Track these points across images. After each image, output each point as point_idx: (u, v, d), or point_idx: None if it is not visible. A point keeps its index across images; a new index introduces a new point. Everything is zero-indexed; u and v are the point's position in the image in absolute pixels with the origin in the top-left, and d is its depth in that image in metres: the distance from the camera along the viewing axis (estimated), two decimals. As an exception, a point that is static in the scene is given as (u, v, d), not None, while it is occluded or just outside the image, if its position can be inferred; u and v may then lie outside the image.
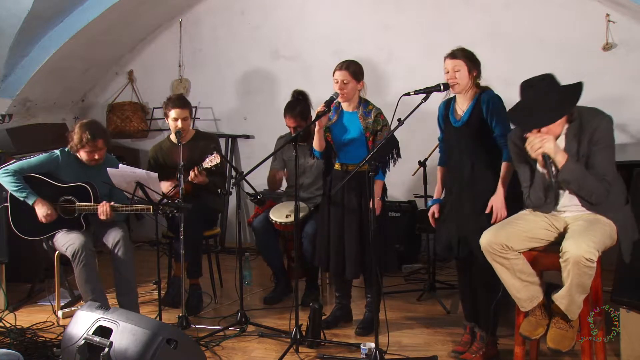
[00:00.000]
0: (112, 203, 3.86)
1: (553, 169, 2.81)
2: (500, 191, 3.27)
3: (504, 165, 3.27)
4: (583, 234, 2.75)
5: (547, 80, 2.85)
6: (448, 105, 3.46)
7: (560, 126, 2.85)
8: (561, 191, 2.96)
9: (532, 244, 2.94)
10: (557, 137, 2.86)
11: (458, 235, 3.37)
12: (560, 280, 2.78)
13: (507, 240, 2.87)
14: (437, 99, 3.47)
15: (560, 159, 2.79)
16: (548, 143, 2.79)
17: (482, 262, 3.26)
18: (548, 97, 2.82)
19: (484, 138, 3.30)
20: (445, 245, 3.45)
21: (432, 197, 4.54)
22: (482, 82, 3.38)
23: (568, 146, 2.87)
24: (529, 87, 2.86)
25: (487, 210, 3.27)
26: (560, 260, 2.73)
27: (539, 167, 2.92)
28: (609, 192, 2.82)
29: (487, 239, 2.90)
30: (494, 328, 3.40)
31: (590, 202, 2.86)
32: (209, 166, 4.01)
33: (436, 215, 3.55)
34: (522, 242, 2.90)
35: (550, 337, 2.87)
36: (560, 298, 2.80)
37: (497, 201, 3.26)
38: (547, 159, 2.81)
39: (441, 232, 3.50)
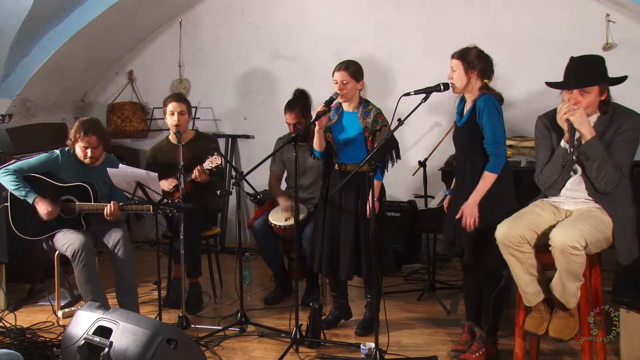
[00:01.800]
0: (121, 204, 3.86)
1: (575, 142, 2.85)
2: (473, 198, 3.25)
3: (485, 173, 3.25)
4: (571, 223, 2.79)
5: (595, 57, 2.93)
6: (461, 102, 3.47)
7: (591, 106, 2.87)
8: (572, 174, 2.97)
9: (541, 239, 2.94)
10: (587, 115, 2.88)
11: (454, 233, 3.38)
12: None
13: (523, 232, 2.87)
14: (437, 99, 3.47)
15: (587, 134, 2.82)
16: (578, 111, 2.81)
17: (473, 260, 3.29)
18: (588, 66, 2.88)
19: (477, 141, 3.29)
20: (447, 241, 3.48)
21: (432, 197, 4.57)
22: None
23: (595, 130, 2.88)
24: (574, 59, 2.94)
25: (458, 216, 3.28)
26: (550, 249, 2.76)
27: (562, 141, 2.93)
28: (620, 183, 2.83)
29: (503, 231, 2.89)
30: (495, 327, 3.40)
31: (599, 187, 2.87)
32: (209, 167, 4.02)
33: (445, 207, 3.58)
34: (535, 235, 2.91)
35: (552, 328, 2.89)
36: (554, 286, 2.84)
37: (467, 207, 3.26)
38: (572, 130, 2.83)
39: (444, 228, 3.52)
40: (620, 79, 2.93)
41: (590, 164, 2.86)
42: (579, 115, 2.82)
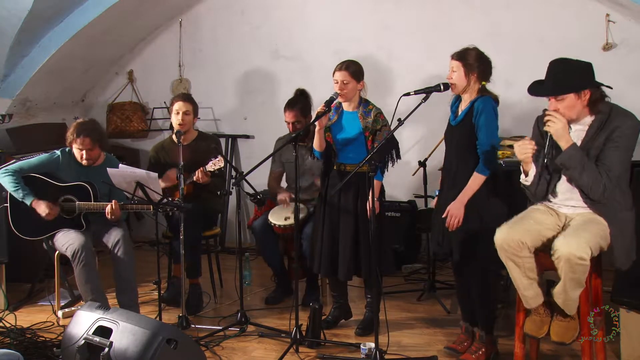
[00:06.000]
0: (122, 203, 3.87)
1: (552, 150, 2.85)
2: (460, 198, 3.25)
3: (474, 174, 3.25)
4: (575, 232, 2.77)
5: (571, 63, 2.88)
6: (456, 102, 3.47)
7: (572, 111, 2.84)
8: (559, 181, 2.96)
9: (540, 243, 2.93)
10: (571, 121, 2.86)
11: (443, 233, 3.39)
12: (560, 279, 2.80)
13: (522, 236, 2.86)
14: (437, 99, 3.47)
15: (564, 144, 2.80)
16: (555, 124, 2.80)
17: (463, 260, 3.30)
18: (559, 73, 2.85)
19: (472, 142, 3.28)
20: (435, 241, 3.48)
21: (432, 197, 4.57)
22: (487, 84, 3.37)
23: (589, 134, 2.87)
24: (550, 63, 2.91)
25: (444, 215, 3.28)
26: (552, 257, 2.75)
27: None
28: (606, 189, 2.79)
29: (502, 236, 2.88)
30: (491, 327, 3.40)
31: (588, 195, 2.85)
32: (212, 169, 4.04)
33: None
34: (534, 240, 2.90)
35: (554, 331, 2.89)
36: (557, 294, 2.83)
37: (453, 207, 3.26)
38: (549, 139, 2.83)
39: (434, 228, 3.52)
40: (600, 85, 2.87)
41: (570, 173, 2.85)
42: (558, 128, 2.80)
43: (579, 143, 2.86)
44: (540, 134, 2.99)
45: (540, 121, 3.05)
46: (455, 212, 3.25)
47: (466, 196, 3.25)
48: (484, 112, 3.23)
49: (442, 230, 3.38)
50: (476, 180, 3.25)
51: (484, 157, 3.24)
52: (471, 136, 3.28)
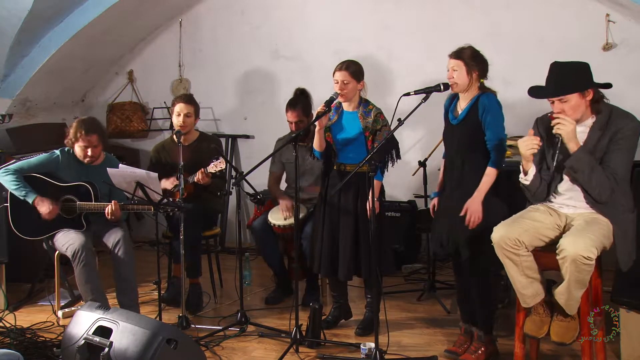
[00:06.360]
0: (122, 204, 3.87)
1: (557, 153, 2.85)
2: (478, 194, 3.25)
3: (488, 169, 3.25)
4: (581, 232, 2.76)
5: (572, 64, 2.88)
6: (452, 102, 3.47)
7: (577, 110, 2.84)
8: (560, 182, 2.96)
9: (539, 243, 2.93)
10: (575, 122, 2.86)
11: (448, 233, 3.38)
12: (561, 279, 2.79)
13: (519, 235, 2.86)
14: (437, 99, 3.48)
15: (573, 147, 2.80)
16: (566, 126, 2.79)
17: (466, 260, 3.30)
18: (561, 74, 2.85)
19: (477, 139, 3.29)
20: (437, 242, 3.47)
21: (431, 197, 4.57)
22: (486, 83, 3.37)
23: (591, 136, 2.87)
24: (552, 65, 2.91)
25: (462, 213, 3.27)
26: (558, 257, 2.74)
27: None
28: (613, 191, 2.81)
29: (500, 234, 2.88)
30: (490, 327, 3.40)
31: (595, 198, 2.85)
32: (214, 171, 4.05)
33: (436, 209, 3.56)
34: (532, 239, 2.90)
35: (554, 332, 2.89)
36: (559, 294, 2.82)
37: (472, 204, 3.25)
38: (556, 141, 2.83)
39: (435, 229, 3.51)
40: (603, 85, 2.88)
41: (579, 176, 2.85)
42: (569, 131, 2.79)
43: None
44: (540, 137, 2.99)
45: (539, 123, 3.05)
46: (475, 208, 3.24)
47: (483, 192, 3.25)
48: (490, 108, 3.24)
49: (446, 230, 3.38)
50: (490, 175, 3.25)
51: (495, 151, 3.24)
52: (474, 133, 3.28)
